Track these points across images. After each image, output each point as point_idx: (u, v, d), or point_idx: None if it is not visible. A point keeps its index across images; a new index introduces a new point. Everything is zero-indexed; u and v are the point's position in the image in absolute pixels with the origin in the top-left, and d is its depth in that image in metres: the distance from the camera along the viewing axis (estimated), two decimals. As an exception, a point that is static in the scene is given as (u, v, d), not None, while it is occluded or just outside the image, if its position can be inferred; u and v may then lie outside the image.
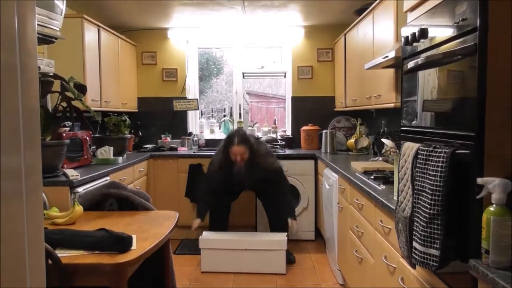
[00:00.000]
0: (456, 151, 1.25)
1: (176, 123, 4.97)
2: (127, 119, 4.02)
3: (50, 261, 1.44)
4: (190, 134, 4.90)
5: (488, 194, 1.12)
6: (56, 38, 2.59)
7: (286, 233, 3.53)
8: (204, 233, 3.57)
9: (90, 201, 2.27)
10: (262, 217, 4.06)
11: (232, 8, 3.98)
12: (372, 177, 2.44)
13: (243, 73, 5.01)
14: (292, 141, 4.80)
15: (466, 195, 1.23)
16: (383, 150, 3.40)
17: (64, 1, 2.62)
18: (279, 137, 4.78)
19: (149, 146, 4.78)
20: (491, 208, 1.11)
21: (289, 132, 4.95)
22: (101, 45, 3.82)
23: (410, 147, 1.50)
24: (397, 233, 1.58)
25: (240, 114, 4.97)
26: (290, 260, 3.61)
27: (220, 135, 4.96)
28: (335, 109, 4.80)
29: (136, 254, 1.57)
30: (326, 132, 4.36)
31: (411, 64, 1.61)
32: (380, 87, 3.09)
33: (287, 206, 3.61)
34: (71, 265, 1.50)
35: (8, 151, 0.71)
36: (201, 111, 5.19)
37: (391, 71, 2.85)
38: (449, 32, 1.36)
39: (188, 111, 4.98)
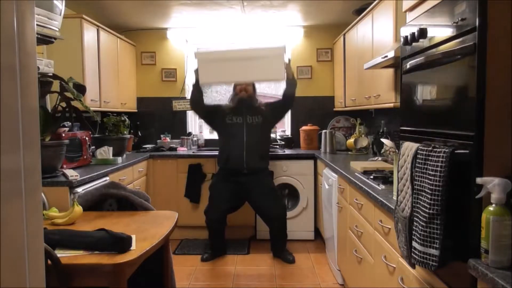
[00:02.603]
0: (456, 151, 1.25)
1: (176, 123, 4.97)
2: (127, 119, 4.01)
3: (49, 262, 1.44)
4: (190, 134, 4.90)
5: (488, 193, 1.12)
6: (55, 38, 2.59)
7: (284, 44, 3.48)
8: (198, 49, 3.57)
9: (89, 201, 2.26)
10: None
11: (231, 8, 3.98)
12: (372, 177, 2.44)
13: (242, 73, 5.00)
14: (291, 141, 4.80)
15: (466, 195, 1.23)
16: (383, 150, 3.40)
17: (63, 1, 2.62)
18: (278, 137, 4.78)
19: (148, 146, 4.78)
20: (491, 208, 1.11)
21: (288, 132, 4.96)
22: (100, 45, 3.82)
23: (409, 147, 1.50)
24: (397, 233, 1.58)
25: (239, 113, 4.96)
26: (289, 260, 3.61)
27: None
28: (334, 109, 4.80)
29: (135, 255, 1.57)
30: (325, 132, 4.37)
31: (410, 64, 1.61)
32: (379, 87, 3.09)
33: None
34: (70, 265, 1.49)
35: (7, 151, 0.71)
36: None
37: (390, 71, 2.85)
38: (448, 32, 1.36)
39: (187, 111, 4.98)
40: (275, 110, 3.76)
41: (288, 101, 3.72)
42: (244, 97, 3.66)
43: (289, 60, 3.64)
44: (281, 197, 3.81)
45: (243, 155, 3.58)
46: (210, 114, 3.80)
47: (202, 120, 5.13)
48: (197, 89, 3.63)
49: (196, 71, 3.50)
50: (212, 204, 3.73)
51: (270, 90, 4.93)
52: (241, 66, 3.26)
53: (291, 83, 3.64)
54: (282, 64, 3.28)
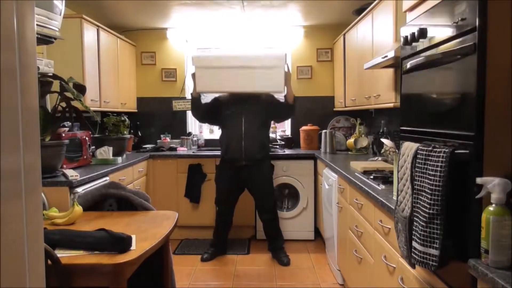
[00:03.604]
0: (456, 151, 1.25)
1: (176, 123, 4.97)
2: (127, 119, 4.01)
3: (49, 262, 1.44)
4: (190, 134, 4.90)
5: (488, 193, 1.13)
6: (55, 38, 2.59)
7: (285, 54, 3.43)
8: (196, 53, 3.48)
9: (89, 201, 2.26)
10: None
11: (231, 8, 3.97)
12: (372, 177, 2.44)
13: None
14: (291, 141, 4.80)
15: (466, 195, 1.23)
16: (383, 150, 3.39)
17: (63, 1, 2.62)
18: (278, 137, 4.78)
19: (148, 146, 4.78)
20: (491, 208, 1.11)
21: (288, 132, 4.96)
22: (100, 45, 3.82)
23: (409, 147, 1.50)
24: (397, 233, 1.58)
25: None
26: (282, 262, 3.60)
27: (219, 135, 4.96)
28: (334, 109, 4.80)
29: (135, 255, 1.57)
30: (325, 132, 4.37)
31: (410, 64, 1.61)
32: (379, 87, 3.09)
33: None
34: (70, 265, 1.49)
35: (7, 151, 0.71)
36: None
37: (390, 71, 2.85)
38: (448, 32, 1.36)
39: (187, 111, 4.98)
40: (272, 110, 3.70)
41: (287, 115, 3.76)
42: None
43: (290, 72, 3.54)
44: (274, 194, 3.78)
45: (242, 145, 3.58)
46: (212, 116, 3.80)
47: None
48: (197, 103, 3.67)
49: (193, 77, 3.48)
50: (220, 197, 3.77)
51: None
52: (240, 75, 3.20)
53: (289, 108, 3.62)
54: (282, 76, 3.25)
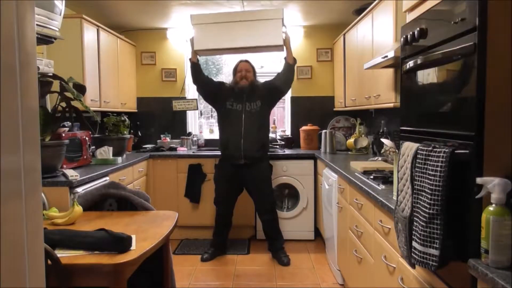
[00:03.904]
0: (456, 151, 1.25)
1: (176, 123, 4.97)
2: (127, 119, 4.01)
3: (49, 262, 1.44)
4: (190, 134, 4.90)
5: (488, 193, 1.12)
6: (55, 38, 2.59)
7: (282, 8, 3.44)
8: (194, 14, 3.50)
9: (89, 201, 2.27)
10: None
11: (231, 8, 3.97)
12: (372, 177, 2.44)
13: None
14: (291, 141, 4.80)
15: (466, 195, 1.23)
16: (383, 150, 3.39)
17: (63, 1, 2.62)
18: (278, 137, 4.78)
19: (148, 146, 4.78)
20: (491, 208, 1.11)
21: (288, 132, 4.96)
22: (100, 45, 3.82)
23: (409, 147, 1.50)
24: (397, 233, 1.58)
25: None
26: (282, 262, 3.60)
27: (219, 133, 4.96)
28: (334, 109, 4.80)
29: (135, 255, 1.57)
30: (325, 132, 4.37)
31: (410, 64, 1.61)
32: (379, 87, 3.09)
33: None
34: (70, 265, 1.49)
35: (7, 151, 0.71)
36: (200, 111, 5.19)
37: (390, 71, 2.85)
38: (448, 32, 1.36)
39: (187, 111, 4.98)
40: (273, 90, 3.72)
41: (286, 85, 3.74)
42: (245, 84, 3.64)
43: (288, 35, 3.54)
44: (273, 194, 3.78)
45: (241, 144, 3.59)
46: (212, 92, 3.78)
47: (202, 120, 5.15)
48: (195, 68, 3.66)
49: (192, 40, 3.46)
50: (219, 196, 3.78)
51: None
52: (238, 30, 3.17)
53: (289, 68, 3.64)
54: (280, 28, 3.23)
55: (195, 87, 5.05)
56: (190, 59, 3.71)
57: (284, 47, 3.55)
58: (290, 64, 3.65)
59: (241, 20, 3.20)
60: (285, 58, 3.67)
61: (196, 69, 3.69)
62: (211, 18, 3.29)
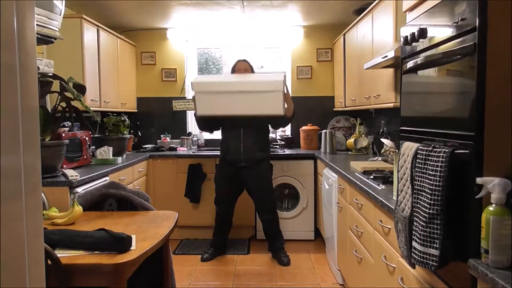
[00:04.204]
0: (456, 151, 1.25)
1: (176, 123, 4.97)
2: (127, 119, 4.01)
3: (49, 262, 1.44)
4: (190, 134, 4.90)
5: (488, 193, 1.13)
6: (55, 38, 2.59)
7: (283, 74, 3.44)
8: (195, 77, 3.55)
9: (89, 201, 2.27)
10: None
11: (231, 8, 3.98)
12: (372, 177, 2.44)
13: (242, 73, 4.99)
14: (291, 141, 4.80)
15: (466, 194, 1.23)
16: (383, 150, 3.39)
17: (63, 1, 2.62)
18: (278, 137, 4.78)
19: (148, 146, 4.78)
20: (491, 208, 1.11)
21: (288, 132, 4.96)
22: (100, 45, 3.82)
23: (409, 147, 1.50)
24: (397, 233, 1.58)
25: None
26: (282, 263, 3.60)
27: (219, 135, 4.96)
28: (334, 109, 4.80)
29: (135, 255, 1.57)
30: (325, 132, 4.37)
31: (410, 64, 1.61)
32: (379, 87, 3.09)
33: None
34: (70, 265, 1.49)
35: (7, 151, 0.71)
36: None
37: (390, 71, 2.85)
38: (448, 31, 1.36)
39: (187, 111, 4.98)
40: (269, 119, 3.67)
41: (283, 125, 3.85)
42: None
43: (288, 92, 3.53)
44: (273, 194, 3.78)
45: (240, 148, 3.59)
46: (215, 124, 3.80)
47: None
48: (201, 120, 3.67)
49: (194, 100, 3.48)
50: (220, 196, 3.77)
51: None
52: (239, 100, 3.24)
53: (286, 120, 3.63)
54: (281, 99, 3.26)
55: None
56: (194, 114, 3.63)
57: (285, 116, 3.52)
58: (287, 118, 3.59)
59: (242, 91, 3.25)
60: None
61: (201, 121, 3.68)
62: (212, 87, 3.34)
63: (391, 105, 2.82)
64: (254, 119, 3.59)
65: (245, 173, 3.64)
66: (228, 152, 3.64)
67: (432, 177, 1.28)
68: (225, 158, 3.71)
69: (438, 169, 1.25)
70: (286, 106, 3.47)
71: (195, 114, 3.62)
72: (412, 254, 1.38)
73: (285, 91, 3.40)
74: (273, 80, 3.31)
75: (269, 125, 3.87)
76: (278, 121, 3.70)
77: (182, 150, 4.56)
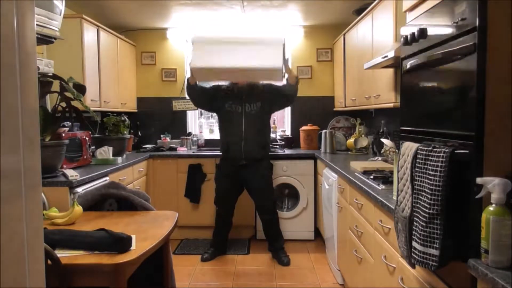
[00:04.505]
0: (456, 151, 1.25)
1: (176, 123, 4.97)
2: (126, 119, 4.01)
3: (49, 262, 1.44)
4: (190, 134, 4.90)
5: (488, 193, 1.13)
6: (55, 38, 2.59)
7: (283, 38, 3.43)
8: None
9: (89, 201, 2.26)
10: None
11: (231, 8, 3.97)
12: (372, 177, 2.44)
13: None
14: (291, 141, 4.80)
15: (466, 194, 1.23)
16: (383, 150, 3.40)
17: (63, 1, 2.62)
18: (278, 137, 4.78)
19: (148, 146, 4.78)
20: (491, 208, 1.11)
21: (288, 132, 4.96)
22: (100, 45, 3.82)
23: (409, 147, 1.50)
24: (397, 233, 1.58)
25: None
26: (282, 262, 3.60)
27: (219, 135, 4.96)
28: (334, 109, 4.80)
29: (135, 255, 1.57)
30: (325, 132, 4.37)
31: (410, 64, 1.61)
32: (379, 87, 3.09)
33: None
34: (70, 265, 1.49)
35: (7, 151, 0.71)
36: (200, 111, 5.18)
37: (390, 71, 2.85)
38: (448, 31, 1.36)
39: (187, 111, 4.98)
40: (275, 99, 3.68)
41: (289, 100, 3.72)
42: (243, 84, 3.62)
43: (287, 59, 3.53)
44: (273, 194, 3.79)
45: (241, 146, 3.59)
46: (207, 100, 3.75)
47: (202, 120, 5.15)
48: (192, 89, 3.63)
49: (190, 65, 3.44)
50: (220, 196, 3.77)
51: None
52: (238, 51, 3.16)
53: (292, 87, 3.60)
54: (281, 54, 3.21)
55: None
56: (187, 79, 3.61)
57: (284, 73, 3.50)
58: (292, 84, 3.59)
59: (241, 42, 3.21)
60: (287, 79, 3.60)
61: (192, 87, 3.63)
62: (212, 38, 3.32)
63: (391, 105, 2.82)
64: (256, 117, 3.57)
65: (245, 172, 3.64)
66: (229, 149, 3.64)
67: (432, 177, 1.28)
68: (225, 157, 3.71)
69: (438, 169, 1.25)
70: (287, 75, 3.45)
71: (187, 80, 3.56)
72: (412, 254, 1.38)
73: (285, 57, 3.36)
74: (273, 35, 3.29)
75: (277, 105, 3.77)
76: (283, 91, 3.63)
77: (182, 150, 4.56)
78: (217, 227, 3.82)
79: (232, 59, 3.20)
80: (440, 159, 1.25)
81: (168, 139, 4.76)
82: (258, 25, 4.67)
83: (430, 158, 1.31)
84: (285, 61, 3.37)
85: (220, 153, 3.80)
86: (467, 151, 1.22)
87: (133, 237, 1.68)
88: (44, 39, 2.50)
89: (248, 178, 3.67)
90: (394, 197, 1.87)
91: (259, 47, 3.19)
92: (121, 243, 1.59)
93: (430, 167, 1.30)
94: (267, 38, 3.30)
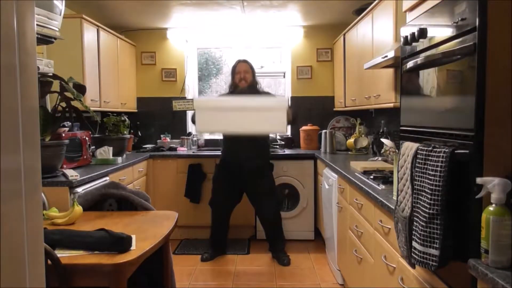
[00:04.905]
0: (456, 151, 1.25)
1: (176, 123, 4.97)
2: (126, 119, 4.01)
3: (49, 262, 1.44)
4: (190, 134, 4.90)
5: (488, 193, 1.12)
6: (55, 38, 2.59)
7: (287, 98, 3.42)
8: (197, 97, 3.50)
9: (89, 201, 2.26)
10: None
11: (231, 8, 3.98)
12: (372, 177, 2.44)
13: (242, 73, 4.98)
14: (291, 141, 4.80)
15: (466, 194, 1.23)
16: (383, 150, 3.40)
17: (63, 1, 2.62)
18: (278, 137, 4.78)
19: (148, 146, 4.78)
20: (491, 208, 1.11)
21: (288, 132, 4.95)
22: (100, 45, 3.82)
23: (409, 147, 1.50)
24: (397, 233, 1.58)
25: (239, 114, 4.96)
26: (282, 263, 3.59)
27: (219, 135, 4.96)
28: (334, 109, 4.80)
29: (135, 254, 1.57)
30: (325, 132, 4.37)
31: (410, 64, 1.61)
32: (379, 87, 3.09)
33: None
34: (70, 265, 1.49)
35: (7, 151, 0.71)
36: (201, 111, 5.18)
37: (390, 71, 2.85)
38: (448, 31, 1.36)
39: (187, 111, 4.98)
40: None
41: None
42: (244, 87, 3.62)
43: (289, 107, 3.49)
44: (276, 197, 3.78)
45: (242, 152, 3.58)
46: None
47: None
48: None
49: (193, 118, 3.46)
50: (216, 197, 3.76)
51: (270, 90, 4.92)
52: (241, 118, 3.16)
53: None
54: (285, 118, 3.19)
55: (195, 87, 5.10)
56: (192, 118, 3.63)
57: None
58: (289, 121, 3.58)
59: (244, 108, 3.16)
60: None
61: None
62: (214, 104, 3.30)
63: (391, 105, 2.82)
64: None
65: (246, 177, 3.62)
66: (229, 156, 3.64)
67: (432, 177, 1.28)
68: (225, 160, 3.71)
69: (438, 169, 1.25)
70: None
71: (192, 118, 3.59)
72: (412, 254, 1.38)
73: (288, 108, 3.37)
74: (277, 100, 3.31)
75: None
76: None
77: (182, 150, 4.56)
78: (213, 227, 3.80)
79: (237, 125, 3.20)
80: (440, 159, 1.25)
81: (168, 139, 4.76)
82: (258, 26, 4.68)
83: (430, 158, 1.31)
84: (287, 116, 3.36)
85: (220, 155, 3.79)
86: (467, 151, 1.22)
87: (133, 237, 1.68)
88: (44, 39, 2.50)
89: (248, 182, 3.65)
90: (394, 197, 1.87)
91: (263, 113, 3.19)
92: (121, 243, 1.59)
93: (430, 167, 1.30)
94: (271, 103, 3.30)
